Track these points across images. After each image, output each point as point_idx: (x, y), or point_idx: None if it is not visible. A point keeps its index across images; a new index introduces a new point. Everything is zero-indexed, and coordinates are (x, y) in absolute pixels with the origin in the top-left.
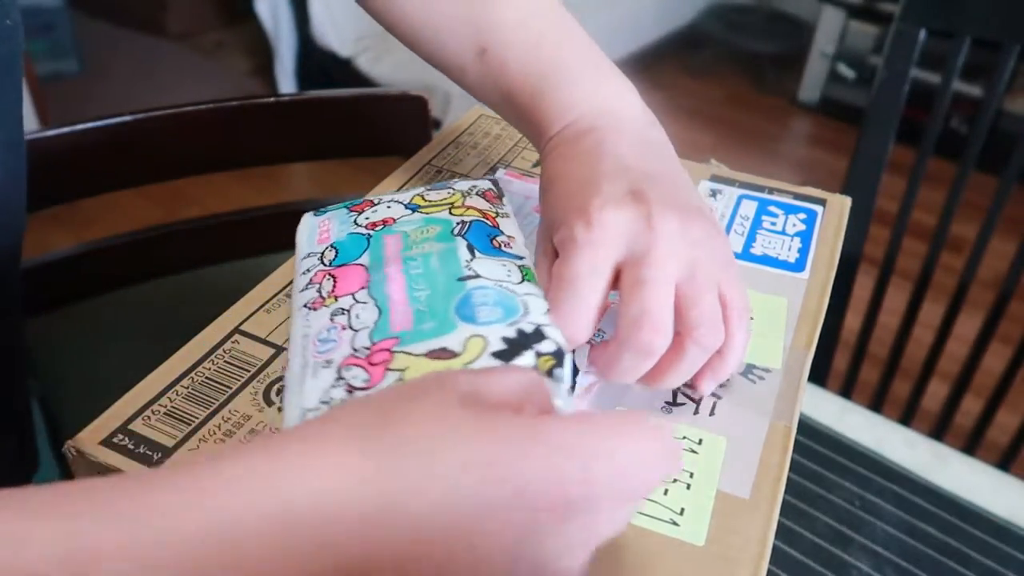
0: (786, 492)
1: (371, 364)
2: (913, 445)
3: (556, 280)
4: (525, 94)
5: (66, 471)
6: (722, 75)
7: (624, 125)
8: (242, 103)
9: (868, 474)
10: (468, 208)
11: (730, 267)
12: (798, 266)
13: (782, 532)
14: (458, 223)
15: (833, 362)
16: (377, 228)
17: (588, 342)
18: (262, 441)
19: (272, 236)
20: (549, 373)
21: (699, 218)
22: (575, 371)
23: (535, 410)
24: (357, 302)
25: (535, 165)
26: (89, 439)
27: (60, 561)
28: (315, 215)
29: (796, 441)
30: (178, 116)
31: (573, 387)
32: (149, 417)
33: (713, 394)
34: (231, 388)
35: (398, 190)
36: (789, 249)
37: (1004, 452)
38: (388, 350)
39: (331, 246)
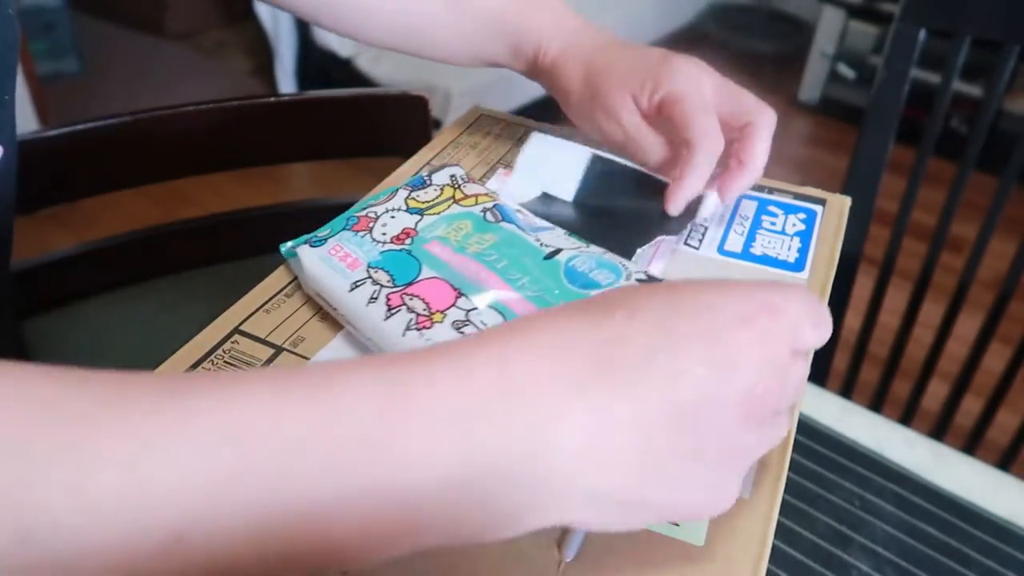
0: (786, 492)
1: None
2: (913, 445)
3: (704, 127)
4: (512, 20)
5: None
6: (722, 75)
7: (598, 29)
8: (242, 103)
9: (868, 474)
10: (472, 196)
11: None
12: (798, 266)
13: (782, 532)
14: (482, 211)
15: (833, 362)
16: (404, 241)
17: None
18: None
19: (272, 236)
20: None
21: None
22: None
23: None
24: (468, 310)
25: None
26: None
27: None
28: (312, 246)
29: (796, 441)
30: (178, 116)
31: None
32: None
33: None
34: None
35: (378, 198)
36: (789, 249)
37: (1004, 452)
38: None
39: (377, 268)
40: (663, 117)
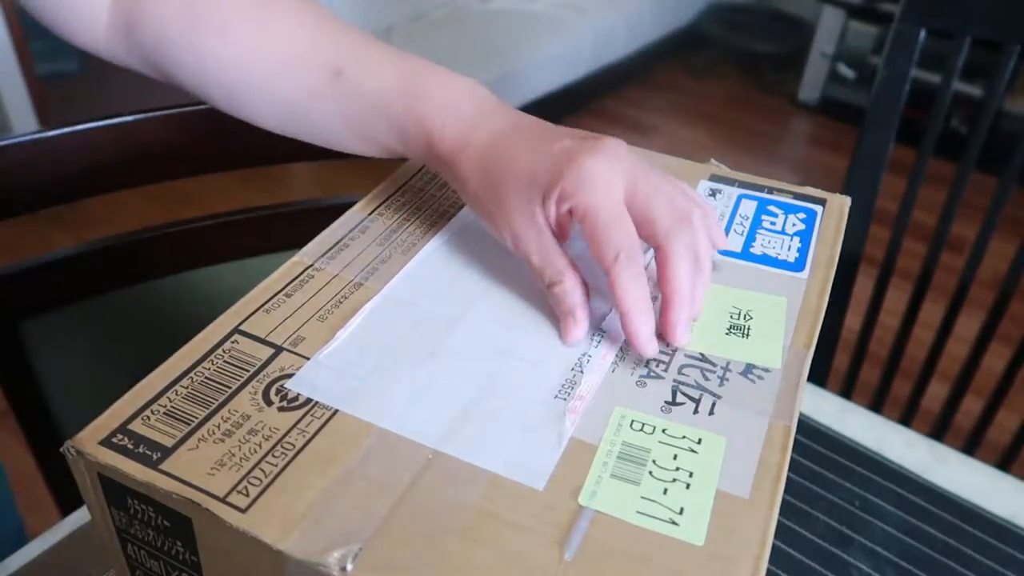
0: (786, 492)
1: None
2: (913, 445)
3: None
4: (395, 97)
5: (54, 473)
6: (722, 75)
7: (503, 104)
8: None
9: (868, 474)
10: None
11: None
12: (798, 266)
13: (782, 532)
14: None
15: (833, 362)
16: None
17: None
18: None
19: (272, 236)
20: None
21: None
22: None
23: None
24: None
25: None
26: (89, 439)
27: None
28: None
29: (796, 441)
30: (178, 116)
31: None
32: (148, 417)
33: (712, 394)
34: (231, 388)
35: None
36: (789, 249)
37: (1004, 452)
38: None
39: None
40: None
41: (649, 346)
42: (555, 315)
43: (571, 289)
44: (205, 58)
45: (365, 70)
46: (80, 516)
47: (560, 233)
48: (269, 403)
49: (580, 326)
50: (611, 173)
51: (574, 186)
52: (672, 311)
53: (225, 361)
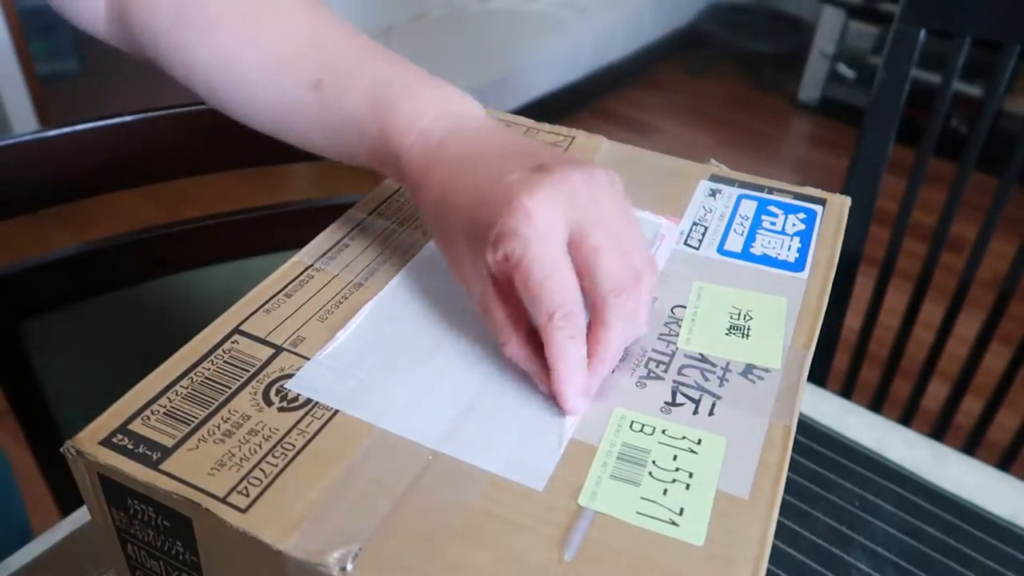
0: (786, 492)
1: None
2: (913, 445)
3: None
4: (368, 115)
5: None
6: (722, 75)
7: (478, 119)
8: None
9: (868, 474)
10: None
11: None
12: (798, 266)
13: (782, 532)
14: None
15: (833, 362)
16: None
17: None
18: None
19: (272, 236)
20: None
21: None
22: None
23: None
24: None
25: None
26: (89, 439)
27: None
28: None
29: (796, 441)
30: (178, 116)
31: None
32: (148, 417)
33: (712, 394)
34: (231, 388)
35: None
36: (789, 249)
37: (1004, 452)
38: None
39: None
40: None
41: (576, 404)
42: None
43: (516, 354)
44: (189, 55)
45: (343, 84)
46: (80, 516)
47: (507, 284)
48: (269, 403)
49: (543, 386)
50: (552, 215)
51: (509, 231)
52: (592, 371)
53: (225, 361)
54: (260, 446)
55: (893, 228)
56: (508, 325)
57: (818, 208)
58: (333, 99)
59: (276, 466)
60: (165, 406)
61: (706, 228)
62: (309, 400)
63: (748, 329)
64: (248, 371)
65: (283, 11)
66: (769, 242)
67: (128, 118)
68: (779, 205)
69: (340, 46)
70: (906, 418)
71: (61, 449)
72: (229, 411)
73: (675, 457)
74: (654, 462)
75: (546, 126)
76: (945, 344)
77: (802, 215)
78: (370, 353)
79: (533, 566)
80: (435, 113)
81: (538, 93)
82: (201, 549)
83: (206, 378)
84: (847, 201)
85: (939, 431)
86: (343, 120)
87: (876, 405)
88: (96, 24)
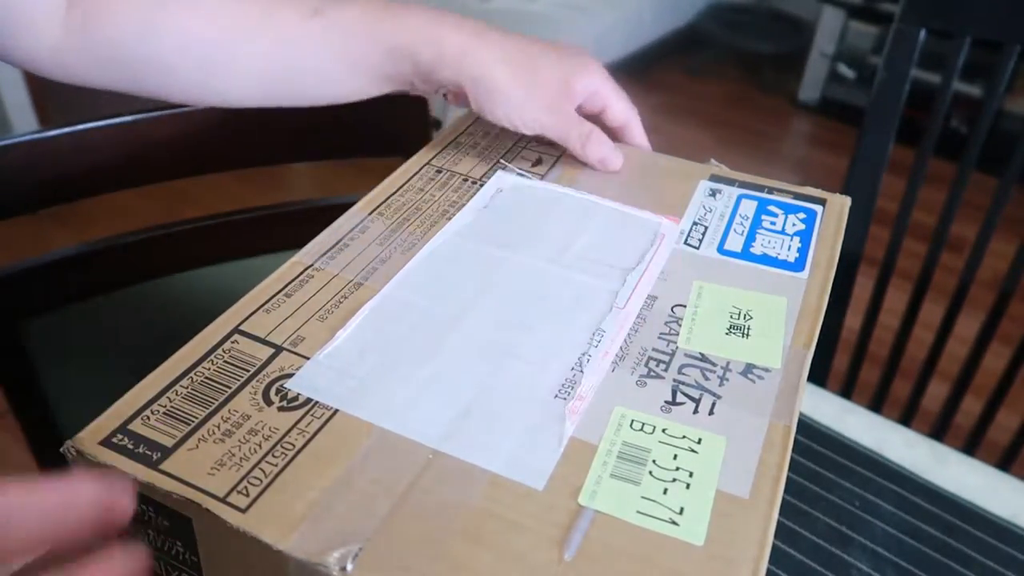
0: (786, 492)
1: None
2: (913, 445)
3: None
4: (386, 22)
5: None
6: (722, 75)
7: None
8: None
9: (868, 474)
10: None
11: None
12: (797, 266)
13: (782, 532)
14: None
15: (833, 362)
16: None
17: None
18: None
19: (272, 236)
20: None
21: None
22: None
23: None
24: None
25: (535, 164)
26: (89, 439)
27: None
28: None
29: (796, 441)
30: (178, 116)
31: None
32: (148, 417)
33: (712, 393)
34: (230, 388)
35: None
36: (789, 249)
37: (1004, 452)
38: None
39: None
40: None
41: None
42: (555, 315)
43: (601, 136)
44: (180, 33)
45: (342, 3)
46: None
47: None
48: (269, 403)
49: (620, 156)
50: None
51: (598, 82)
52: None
53: (225, 361)
54: (260, 446)
55: (893, 228)
56: (589, 124)
57: (818, 208)
58: (336, 18)
59: (276, 466)
60: (165, 406)
61: (706, 228)
62: (309, 400)
63: (748, 329)
64: (248, 371)
65: None
66: (769, 242)
67: (128, 118)
68: (779, 205)
69: None
70: (906, 418)
71: (61, 449)
72: (229, 411)
73: (675, 456)
74: (654, 461)
75: None
76: (945, 344)
77: (802, 215)
78: (370, 353)
79: (533, 565)
80: (445, 11)
81: None
82: (201, 549)
83: (206, 378)
84: (847, 201)
85: (939, 431)
86: (352, 33)
87: (876, 405)
88: (38, 55)
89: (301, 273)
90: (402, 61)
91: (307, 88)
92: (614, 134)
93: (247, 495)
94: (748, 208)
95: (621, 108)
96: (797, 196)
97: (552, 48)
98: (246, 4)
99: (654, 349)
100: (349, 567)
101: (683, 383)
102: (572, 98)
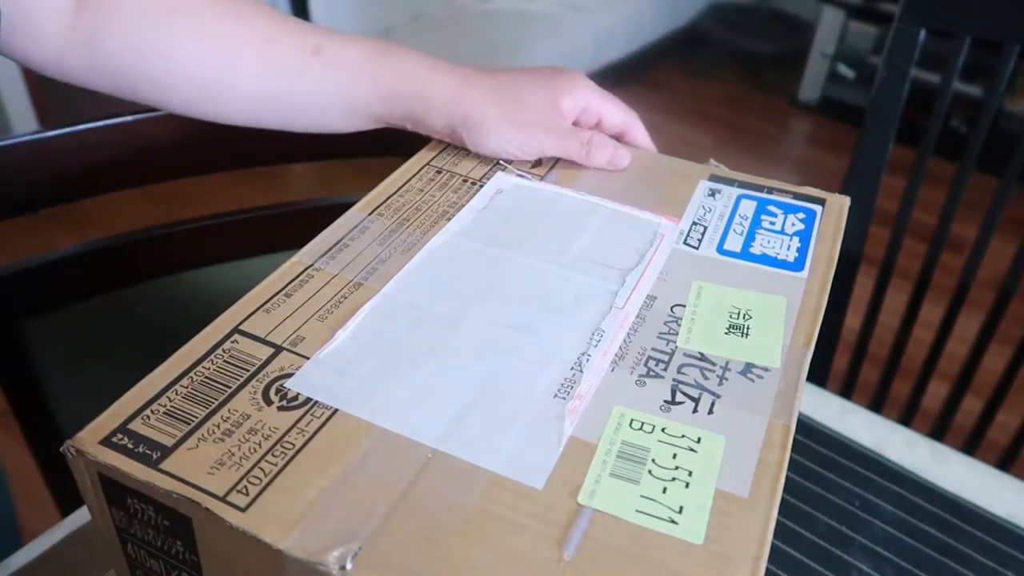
0: (786, 492)
1: None
2: (913, 445)
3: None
4: (381, 65)
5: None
6: (722, 75)
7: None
8: None
9: (868, 474)
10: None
11: None
12: (797, 265)
13: (782, 532)
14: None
15: (833, 362)
16: None
17: None
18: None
19: (272, 236)
20: None
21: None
22: None
23: None
24: None
25: (534, 165)
26: (89, 439)
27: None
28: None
29: (796, 441)
30: (178, 116)
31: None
32: (148, 417)
33: (712, 393)
34: (230, 388)
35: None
36: (788, 248)
37: (1004, 452)
38: None
39: None
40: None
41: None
42: (554, 315)
43: (602, 139)
44: (182, 56)
45: (342, 44)
46: (80, 516)
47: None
48: (269, 403)
49: (627, 152)
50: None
51: (585, 95)
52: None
53: (225, 361)
54: (260, 445)
55: (893, 228)
56: (586, 131)
57: (817, 208)
58: (336, 55)
59: (276, 465)
60: (165, 405)
61: (706, 228)
62: (309, 399)
63: (747, 328)
64: (248, 370)
65: (261, 7)
66: (769, 242)
67: (128, 118)
68: (779, 205)
69: (319, 25)
70: (906, 418)
71: (61, 449)
72: (229, 410)
73: (675, 455)
74: (654, 460)
75: None
76: (945, 344)
77: (801, 215)
78: (370, 353)
79: (533, 565)
80: (433, 57)
81: None
82: (201, 548)
83: (206, 378)
84: (846, 201)
85: (939, 431)
86: (350, 72)
87: (876, 405)
88: (39, 55)
89: (301, 273)
90: (396, 107)
91: (300, 119)
92: (617, 139)
93: (247, 494)
94: (748, 208)
95: (616, 115)
96: (797, 196)
97: (535, 73)
98: (249, 33)
99: (653, 349)
100: (348, 566)
101: (682, 383)
102: (564, 117)
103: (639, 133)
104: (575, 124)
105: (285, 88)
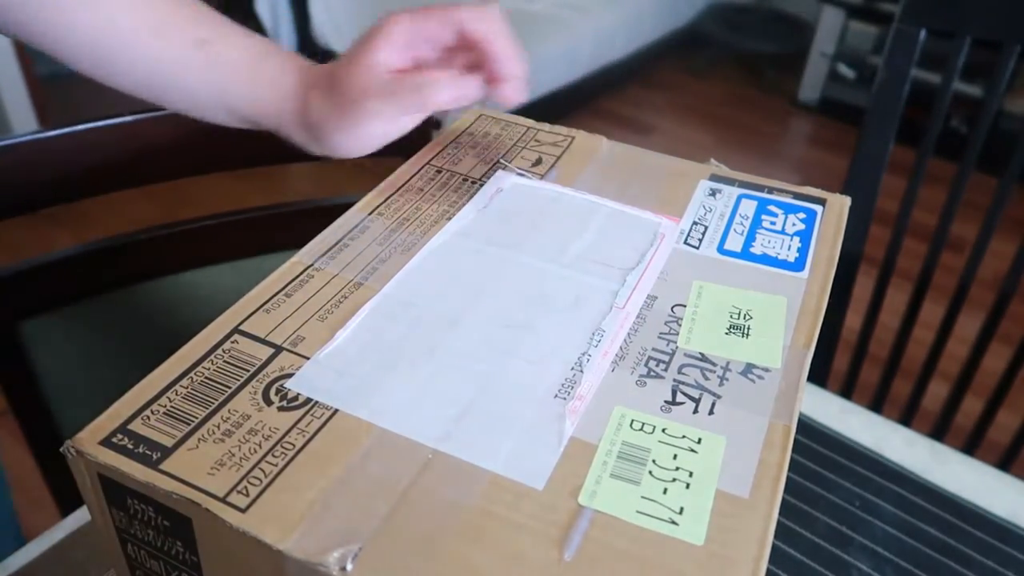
0: (786, 492)
1: None
2: (913, 445)
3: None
4: (253, 67)
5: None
6: (722, 75)
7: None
8: None
9: (868, 474)
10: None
11: None
12: (797, 265)
13: (782, 532)
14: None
15: (833, 362)
16: None
17: None
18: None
19: (272, 236)
20: None
21: None
22: None
23: None
24: None
25: (534, 164)
26: (88, 439)
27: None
28: None
29: (796, 441)
30: (178, 116)
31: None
32: (148, 417)
33: (712, 393)
34: (230, 388)
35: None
36: (788, 248)
37: (1004, 452)
38: None
39: None
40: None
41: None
42: (554, 315)
43: (432, 79)
44: (69, 23)
45: (228, 43)
46: (80, 516)
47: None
48: (269, 403)
49: (471, 82)
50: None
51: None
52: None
53: (225, 361)
54: (260, 446)
55: (893, 228)
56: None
57: (818, 208)
58: (218, 54)
59: (276, 466)
60: (165, 406)
61: (706, 228)
62: (309, 399)
63: (748, 328)
64: (248, 371)
65: None
66: (769, 242)
67: (128, 118)
68: (779, 205)
69: (212, 11)
70: (906, 418)
71: (61, 449)
72: (229, 411)
73: (675, 456)
74: (654, 461)
75: (546, 126)
76: (945, 344)
77: (802, 215)
78: (370, 353)
79: (533, 566)
80: (293, 57)
81: (538, 93)
82: (201, 549)
83: (206, 378)
84: (847, 201)
85: (939, 431)
86: (227, 73)
87: (876, 405)
88: None
89: (301, 273)
90: (265, 117)
91: (180, 102)
92: (483, 58)
93: (247, 495)
94: (748, 208)
95: (444, 32)
96: (797, 196)
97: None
98: (140, 11)
99: (654, 349)
100: (349, 567)
101: (683, 383)
102: (379, 70)
103: (498, 42)
104: (415, 69)
105: (167, 77)
